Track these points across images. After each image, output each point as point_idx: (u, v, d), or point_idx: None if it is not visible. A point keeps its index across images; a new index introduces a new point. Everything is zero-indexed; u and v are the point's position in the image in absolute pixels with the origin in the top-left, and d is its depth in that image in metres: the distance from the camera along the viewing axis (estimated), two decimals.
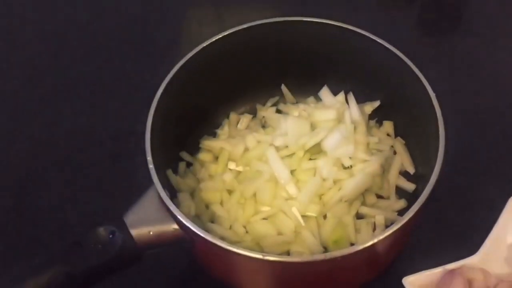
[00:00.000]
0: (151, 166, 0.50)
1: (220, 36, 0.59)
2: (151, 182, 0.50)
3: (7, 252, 0.60)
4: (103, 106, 0.73)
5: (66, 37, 0.81)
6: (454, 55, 0.77)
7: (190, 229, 0.46)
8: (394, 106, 0.62)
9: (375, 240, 0.45)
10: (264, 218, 0.55)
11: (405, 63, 0.56)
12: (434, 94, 0.53)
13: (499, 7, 0.83)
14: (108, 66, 0.78)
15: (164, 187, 0.49)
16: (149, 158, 0.50)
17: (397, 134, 0.63)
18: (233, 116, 0.66)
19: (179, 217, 0.47)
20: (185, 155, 0.62)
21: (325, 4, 0.83)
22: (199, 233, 0.46)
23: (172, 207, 0.47)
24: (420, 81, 0.54)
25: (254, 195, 0.56)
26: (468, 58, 0.77)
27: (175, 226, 0.48)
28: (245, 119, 0.65)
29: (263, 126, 0.64)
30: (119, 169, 0.67)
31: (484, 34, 0.80)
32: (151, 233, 0.48)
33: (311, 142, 0.57)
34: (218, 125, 0.66)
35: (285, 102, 0.67)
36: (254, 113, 0.66)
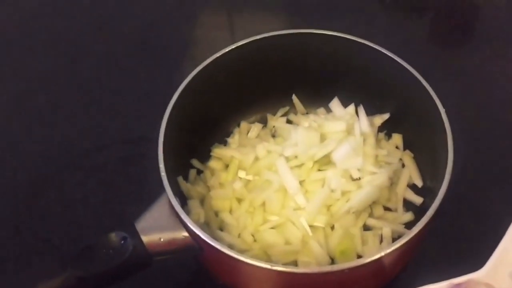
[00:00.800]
0: (163, 173, 0.51)
1: (233, 47, 0.60)
2: (162, 188, 0.51)
3: (20, 254, 0.61)
4: (116, 111, 0.74)
5: (82, 42, 0.83)
6: (466, 68, 0.78)
7: (200, 237, 0.47)
8: (404, 119, 0.62)
9: (382, 254, 0.46)
10: (272, 227, 0.56)
11: (415, 76, 0.57)
12: (443, 110, 0.53)
13: (511, 20, 0.84)
14: (123, 72, 0.79)
15: (175, 194, 0.50)
16: (161, 165, 0.51)
17: (406, 147, 0.63)
18: (243, 125, 0.66)
19: (189, 225, 0.47)
20: (196, 162, 0.62)
21: (337, 16, 0.84)
22: (208, 241, 0.47)
23: (183, 215, 0.48)
24: (430, 95, 0.55)
25: (263, 204, 0.57)
26: (479, 71, 0.77)
27: (185, 234, 0.49)
28: (256, 128, 0.66)
29: (273, 136, 0.65)
30: (131, 173, 0.67)
31: (496, 47, 0.80)
32: (161, 239, 0.49)
33: (320, 154, 0.57)
34: (229, 134, 0.66)
35: (295, 112, 0.67)
36: (264, 122, 0.67)
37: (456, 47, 0.83)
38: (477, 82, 0.76)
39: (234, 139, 0.65)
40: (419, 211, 0.58)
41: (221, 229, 0.58)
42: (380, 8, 0.89)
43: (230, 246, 0.54)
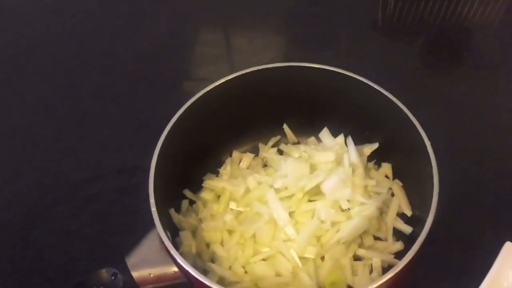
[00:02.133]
0: (153, 209, 0.52)
1: (226, 79, 0.61)
2: (153, 221, 0.52)
3: (12, 285, 0.62)
4: (112, 141, 0.75)
5: (78, 73, 0.84)
6: (454, 95, 0.79)
7: (190, 272, 0.48)
8: (392, 149, 0.63)
9: (373, 286, 0.46)
10: (263, 259, 0.57)
11: (401, 109, 0.58)
12: (429, 142, 0.54)
13: (501, 47, 0.85)
14: (118, 102, 0.80)
15: (165, 228, 0.51)
16: (152, 200, 0.52)
17: (395, 176, 0.64)
18: (235, 154, 0.68)
19: (179, 260, 0.48)
20: (188, 193, 0.63)
21: (328, 44, 0.85)
22: (198, 277, 0.47)
23: (173, 250, 0.49)
24: (416, 128, 0.56)
25: (254, 236, 0.58)
26: (468, 98, 0.78)
27: (175, 269, 0.50)
28: (247, 158, 0.67)
29: (265, 165, 0.66)
30: (125, 204, 0.68)
31: (485, 74, 0.82)
32: (151, 275, 0.50)
33: (310, 185, 0.58)
34: (222, 163, 0.68)
35: (286, 142, 0.68)
36: (256, 151, 0.68)
37: (446, 73, 0.84)
38: (465, 109, 0.77)
39: (226, 170, 0.66)
40: (408, 240, 0.59)
41: (213, 261, 0.58)
42: (372, 35, 0.90)
43: (221, 278, 0.55)
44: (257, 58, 0.85)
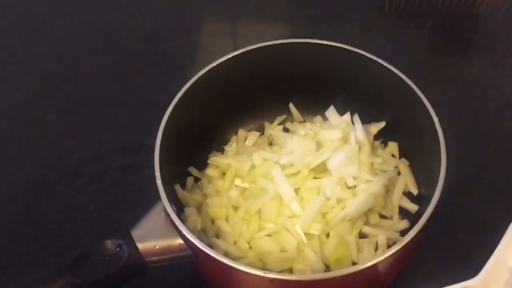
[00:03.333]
0: (159, 182, 0.51)
1: (231, 55, 0.61)
2: (159, 196, 0.51)
3: (19, 261, 0.62)
4: (116, 119, 0.75)
5: (81, 53, 0.84)
6: (462, 77, 0.78)
7: (195, 244, 0.47)
8: (399, 127, 0.63)
9: (376, 261, 0.46)
10: (267, 235, 0.56)
11: (410, 86, 0.57)
12: (437, 118, 0.54)
13: (509, 31, 0.84)
14: (121, 80, 0.80)
15: (171, 202, 0.51)
16: (158, 173, 0.52)
17: (401, 155, 0.64)
18: (241, 133, 0.67)
19: (184, 233, 0.48)
20: (193, 170, 0.63)
21: (335, 26, 0.85)
22: (203, 249, 0.47)
23: (178, 222, 0.48)
24: (424, 104, 0.55)
25: (259, 212, 0.57)
26: (475, 80, 0.78)
27: (181, 241, 0.50)
28: (253, 136, 0.66)
29: (270, 144, 0.66)
30: (129, 181, 0.68)
31: (493, 56, 0.81)
32: (157, 247, 0.50)
33: (316, 162, 0.58)
34: (227, 141, 0.67)
35: (292, 121, 0.68)
36: (262, 130, 0.68)
37: (453, 56, 0.84)
38: (472, 91, 0.76)
39: (231, 147, 0.65)
40: (414, 219, 0.58)
41: (218, 237, 0.58)
42: (379, 17, 0.90)
43: (226, 254, 0.55)
44: (263, 38, 0.84)
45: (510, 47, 0.83)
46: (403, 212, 0.60)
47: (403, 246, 0.47)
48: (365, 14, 0.89)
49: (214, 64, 0.60)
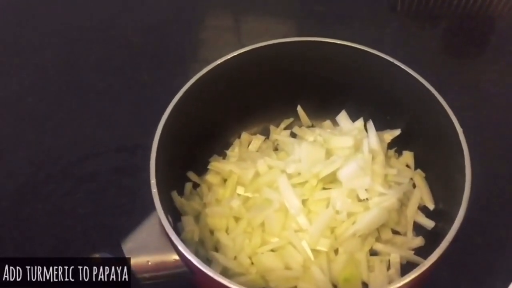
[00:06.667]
0: (154, 190, 0.47)
1: (235, 53, 0.57)
2: (153, 205, 0.47)
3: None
4: (111, 117, 0.71)
5: (77, 45, 0.80)
6: (481, 81, 0.74)
7: (191, 261, 0.43)
8: (415, 136, 0.59)
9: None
10: (271, 250, 0.53)
11: (430, 92, 0.53)
12: (461, 130, 0.49)
13: None
14: (118, 74, 0.76)
15: (167, 213, 0.47)
16: (153, 181, 0.48)
17: (417, 166, 0.59)
18: (244, 136, 0.63)
19: (180, 248, 0.44)
20: (192, 175, 0.59)
21: (346, 25, 0.81)
22: (200, 266, 0.43)
23: (174, 237, 0.44)
24: (446, 113, 0.51)
25: (262, 224, 0.53)
26: (496, 86, 0.73)
27: (176, 257, 0.45)
28: (257, 140, 0.62)
29: (276, 149, 0.62)
30: (123, 184, 0.64)
31: (508, 60, 0.77)
32: (149, 262, 0.45)
33: (325, 171, 0.54)
34: (229, 145, 0.63)
35: (300, 125, 0.64)
36: (267, 134, 0.64)
37: (469, 58, 0.79)
38: (492, 96, 0.72)
39: (233, 152, 0.61)
40: (430, 236, 0.55)
41: (216, 249, 0.54)
42: (391, 17, 0.86)
43: (225, 270, 0.51)
44: (268, 37, 0.80)
45: None
46: (418, 228, 0.56)
47: (424, 271, 0.42)
48: (377, 12, 0.85)
49: (218, 61, 0.56)
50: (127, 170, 0.65)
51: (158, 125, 0.51)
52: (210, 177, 0.58)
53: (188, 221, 0.54)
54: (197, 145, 0.59)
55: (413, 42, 0.80)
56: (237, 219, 0.55)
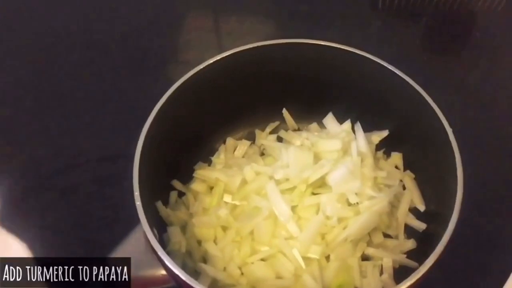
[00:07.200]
0: (138, 202, 0.45)
1: (218, 57, 0.55)
2: (137, 216, 0.45)
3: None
4: (90, 125, 0.69)
5: (53, 51, 0.77)
6: (466, 78, 0.73)
7: (179, 276, 0.41)
8: (403, 136, 0.58)
9: None
10: (261, 259, 0.51)
11: (418, 92, 0.53)
12: (450, 130, 0.48)
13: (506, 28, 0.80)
14: (97, 82, 0.73)
15: (152, 225, 0.45)
16: (137, 193, 0.46)
17: (406, 167, 0.58)
18: (230, 141, 0.61)
19: (167, 263, 0.42)
20: (177, 184, 0.57)
21: (329, 24, 0.79)
22: (188, 281, 0.41)
23: (161, 251, 0.42)
24: (435, 113, 0.51)
25: (251, 233, 0.52)
26: (481, 81, 0.73)
27: (163, 272, 0.44)
28: (243, 145, 0.61)
29: (262, 154, 0.60)
30: (106, 195, 0.62)
31: (492, 54, 0.77)
32: (136, 278, 0.43)
33: (314, 176, 0.52)
34: (214, 151, 0.61)
35: (285, 128, 0.62)
36: (252, 138, 0.62)
37: (454, 56, 0.79)
38: (479, 94, 0.71)
39: (219, 159, 0.59)
40: (421, 238, 0.54)
41: (205, 261, 0.52)
42: (372, 15, 0.85)
43: (214, 281, 0.50)
44: (250, 38, 0.79)
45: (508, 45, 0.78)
46: (409, 231, 0.55)
47: (420, 277, 0.41)
48: (359, 11, 0.84)
49: (201, 66, 0.55)
50: (109, 181, 0.63)
51: (139, 133, 0.50)
52: (195, 186, 0.57)
53: (174, 232, 0.52)
54: (181, 152, 0.58)
55: (397, 40, 0.80)
56: (225, 228, 0.53)
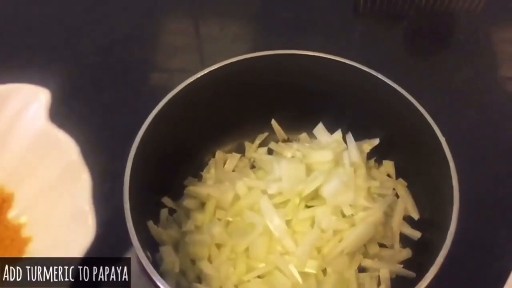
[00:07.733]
0: (130, 224, 0.44)
1: (205, 71, 0.54)
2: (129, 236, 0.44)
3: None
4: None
5: (28, 63, 0.74)
6: (452, 80, 0.73)
7: None
8: (395, 144, 0.57)
9: None
10: (258, 277, 0.50)
11: (408, 99, 0.52)
12: (443, 138, 0.48)
13: (488, 31, 0.80)
14: (83, 99, 0.71)
15: (145, 248, 0.44)
16: (128, 213, 0.45)
17: (397, 175, 0.58)
18: (219, 155, 0.60)
19: (161, 286, 0.41)
20: (167, 201, 0.56)
21: (313, 31, 0.79)
22: None
23: (156, 277, 0.41)
24: (426, 120, 0.50)
25: (247, 250, 0.51)
26: (467, 83, 0.73)
27: None
28: (233, 159, 0.60)
29: (253, 166, 0.59)
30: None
31: (475, 51, 0.77)
32: None
33: (308, 189, 0.52)
34: (203, 164, 0.60)
35: (275, 139, 0.62)
36: (241, 150, 0.61)
37: (439, 58, 0.79)
38: (466, 96, 0.71)
39: (209, 174, 0.58)
40: (416, 246, 0.53)
41: (200, 280, 0.51)
42: (356, 20, 0.84)
43: None
44: (233, 46, 0.78)
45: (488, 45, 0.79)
46: (403, 239, 0.55)
47: None
48: (339, 17, 0.83)
49: (187, 82, 0.54)
50: (96, 198, 0.61)
51: (126, 150, 0.48)
52: (187, 202, 0.55)
53: (167, 252, 0.51)
54: (170, 168, 0.56)
55: (382, 44, 0.79)
56: (219, 246, 0.52)
